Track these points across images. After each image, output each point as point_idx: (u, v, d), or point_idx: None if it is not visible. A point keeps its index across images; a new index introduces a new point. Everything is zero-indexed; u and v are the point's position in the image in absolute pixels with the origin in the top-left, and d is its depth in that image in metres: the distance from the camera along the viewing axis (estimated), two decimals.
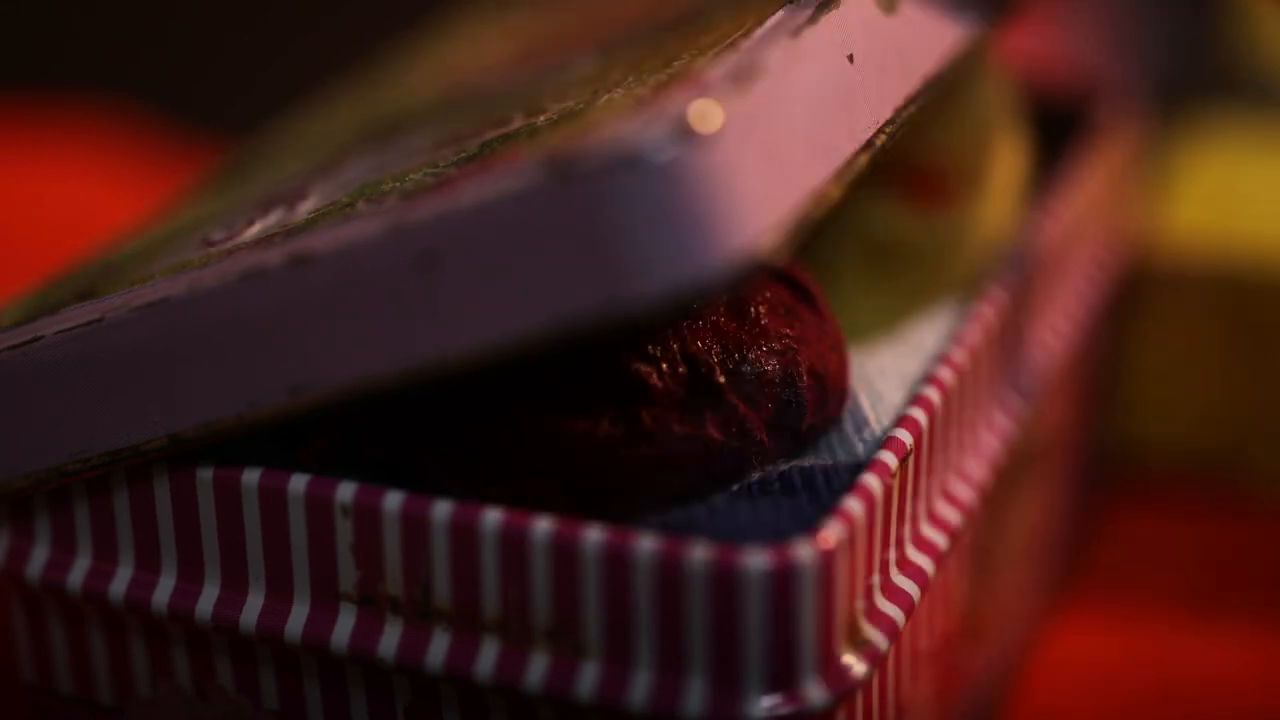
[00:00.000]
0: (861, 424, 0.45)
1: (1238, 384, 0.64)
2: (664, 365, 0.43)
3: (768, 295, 0.45)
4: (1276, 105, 0.80)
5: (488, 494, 0.43)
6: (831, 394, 0.45)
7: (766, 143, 0.39)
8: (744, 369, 0.43)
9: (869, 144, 0.42)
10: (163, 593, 0.44)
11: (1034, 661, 0.57)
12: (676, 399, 0.43)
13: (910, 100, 0.44)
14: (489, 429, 0.43)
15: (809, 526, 0.41)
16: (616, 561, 0.40)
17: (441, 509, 0.41)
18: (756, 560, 0.39)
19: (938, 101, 0.50)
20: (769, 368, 0.43)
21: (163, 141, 0.86)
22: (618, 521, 0.42)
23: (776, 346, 0.44)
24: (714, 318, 0.44)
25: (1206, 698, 0.56)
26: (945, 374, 0.46)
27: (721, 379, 0.43)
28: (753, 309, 0.44)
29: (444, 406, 0.43)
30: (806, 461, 0.44)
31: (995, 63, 0.54)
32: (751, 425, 0.43)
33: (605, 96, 0.43)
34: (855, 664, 0.41)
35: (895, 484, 0.43)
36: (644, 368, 0.43)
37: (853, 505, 0.41)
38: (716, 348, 0.43)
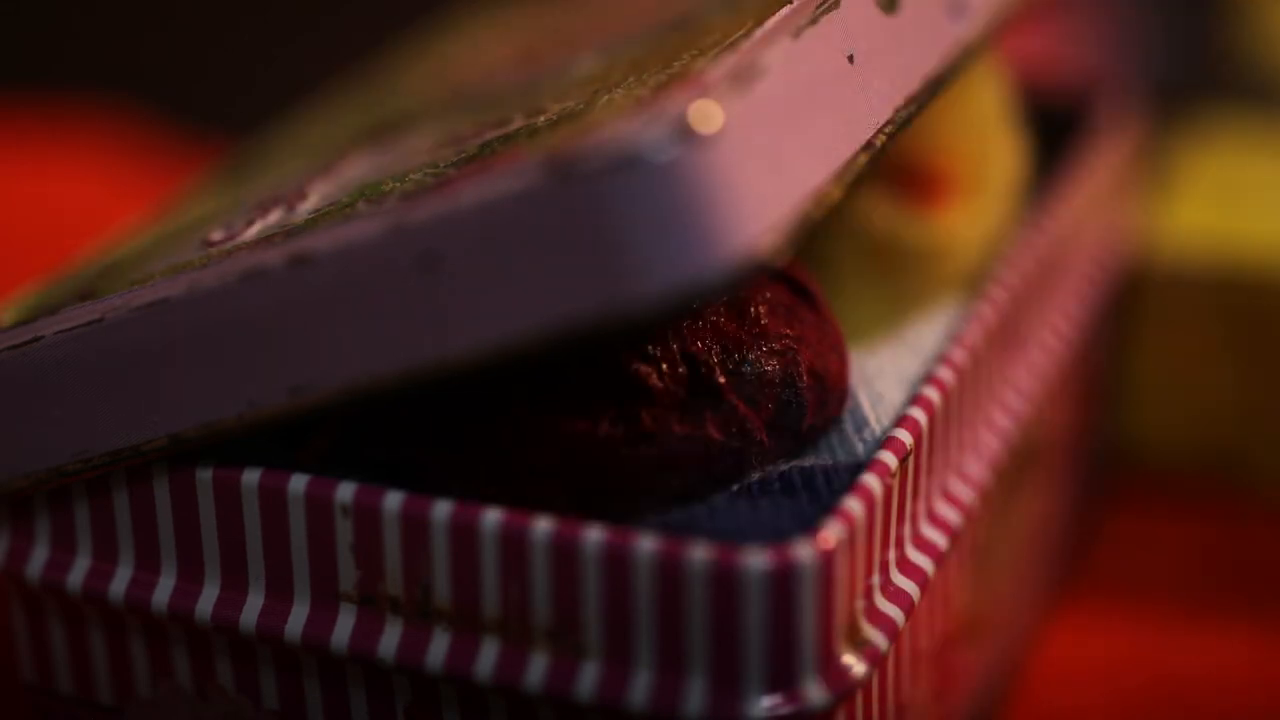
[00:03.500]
0: (861, 424, 0.45)
1: (1238, 384, 0.64)
2: (664, 365, 0.43)
3: (768, 295, 0.45)
4: (1276, 105, 0.80)
5: (487, 494, 0.43)
6: (832, 394, 0.45)
7: (767, 143, 0.39)
8: (744, 369, 0.43)
9: (869, 144, 0.42)
10: (163, 593, 0.44)
11: (1034, 661, 0.57)
12: (676, 399, 0.43)
13: (910, 100, 0.44)
14: (489, 429, 0.43)
15: (809, 526, 0.41)
16: (616, 561, 0.40)
17: (441, 509, 0.41)
18: (756, 560, 0.39)
19: (938, 101, 0.50)
20: (769, 368, 0.43)
21: (163, 141, 0.86)
22: (618, 521, 0.42)
23: (777, 346, 0.44)
24: (714, 318, 0.44)
25: (1206, 697, 0.56)
26: (945, 374, 0.46)
27: (721, 379, 0.43)
28: (753, 309, 0.44)
29: (444, 406, 0.43)
30: (806, 461, 0.44)
31: (993, 63, 0.54)
32: (752, 425, 0.43)
33: (605, 97, 0.43)
34: (855, 664, 0.41)
35: (895, 484, 0.43)
36: (644, 368, 0.43)
37: (853, 505, 0.41)
38: (716, 348, 0.43)
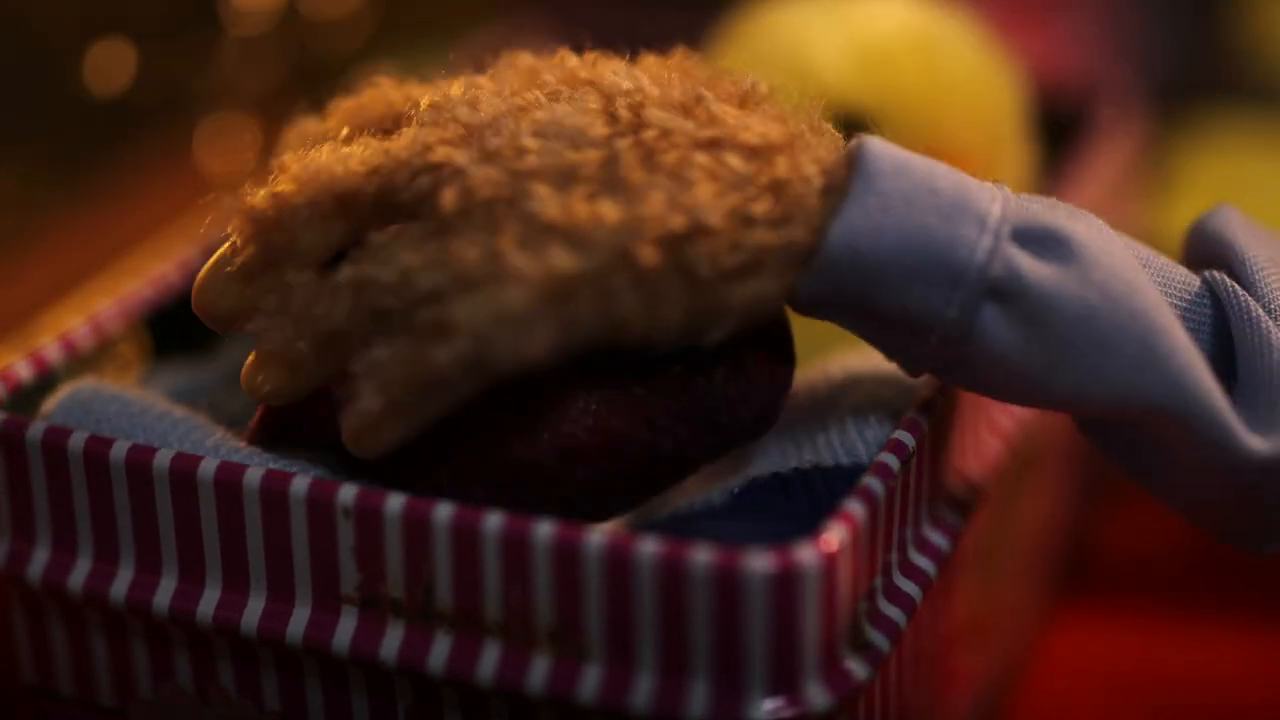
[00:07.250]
0: (863, 426, 0.45)
1: None
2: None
3: None
4: (1277, 105, 0.80)
5: (395, 476, 0.42)
6: (755, 389, 0.43)
7: None
8: (652, 357, 0.42)
9: None
10: (164, 594, 0.44)
11: (1035, 662, 0.58)
12: (579, 389, 0.42)
13: None
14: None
15: (811, 529, 0.41)
16: (619, 564, 0.40)
17: (443, 511, 0.41)
18: (759, 563, 0.39)
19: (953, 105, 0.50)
20: (680, 357, 0.42)
21: None
22: (524, 512, 0.41)
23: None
24: None
25: (1207, 696, 0.56)
26: None
27: (627, 368, 0.42)
28: None
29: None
30: (806, 464, 0.44)
31: (1006, 65, 0.54)
32: (661, 417, 0.42)
33: None
34: (857, 666, 0.41)
35: (897, 486, 0.43)
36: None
37: (855, 507, 0.41)
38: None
